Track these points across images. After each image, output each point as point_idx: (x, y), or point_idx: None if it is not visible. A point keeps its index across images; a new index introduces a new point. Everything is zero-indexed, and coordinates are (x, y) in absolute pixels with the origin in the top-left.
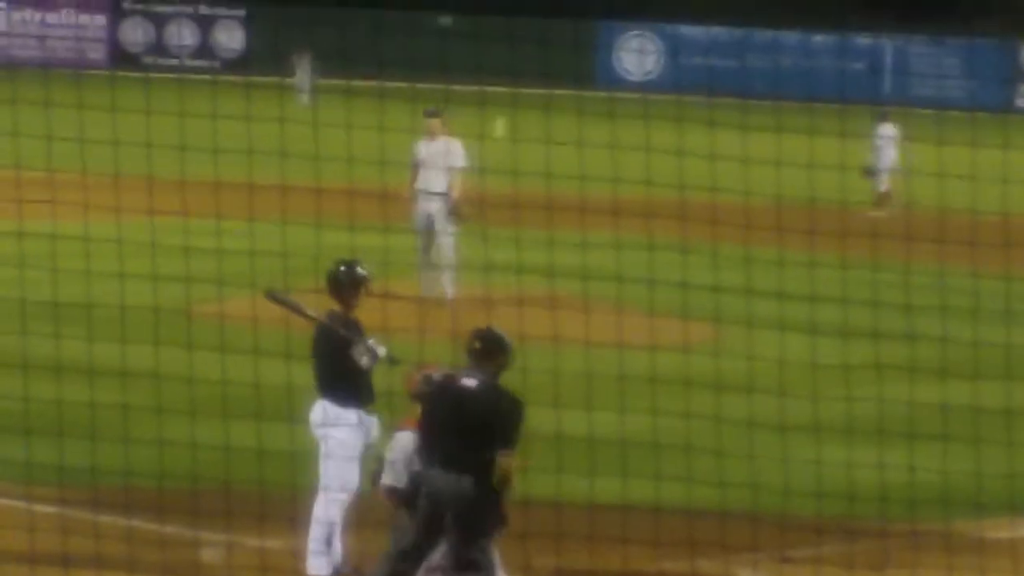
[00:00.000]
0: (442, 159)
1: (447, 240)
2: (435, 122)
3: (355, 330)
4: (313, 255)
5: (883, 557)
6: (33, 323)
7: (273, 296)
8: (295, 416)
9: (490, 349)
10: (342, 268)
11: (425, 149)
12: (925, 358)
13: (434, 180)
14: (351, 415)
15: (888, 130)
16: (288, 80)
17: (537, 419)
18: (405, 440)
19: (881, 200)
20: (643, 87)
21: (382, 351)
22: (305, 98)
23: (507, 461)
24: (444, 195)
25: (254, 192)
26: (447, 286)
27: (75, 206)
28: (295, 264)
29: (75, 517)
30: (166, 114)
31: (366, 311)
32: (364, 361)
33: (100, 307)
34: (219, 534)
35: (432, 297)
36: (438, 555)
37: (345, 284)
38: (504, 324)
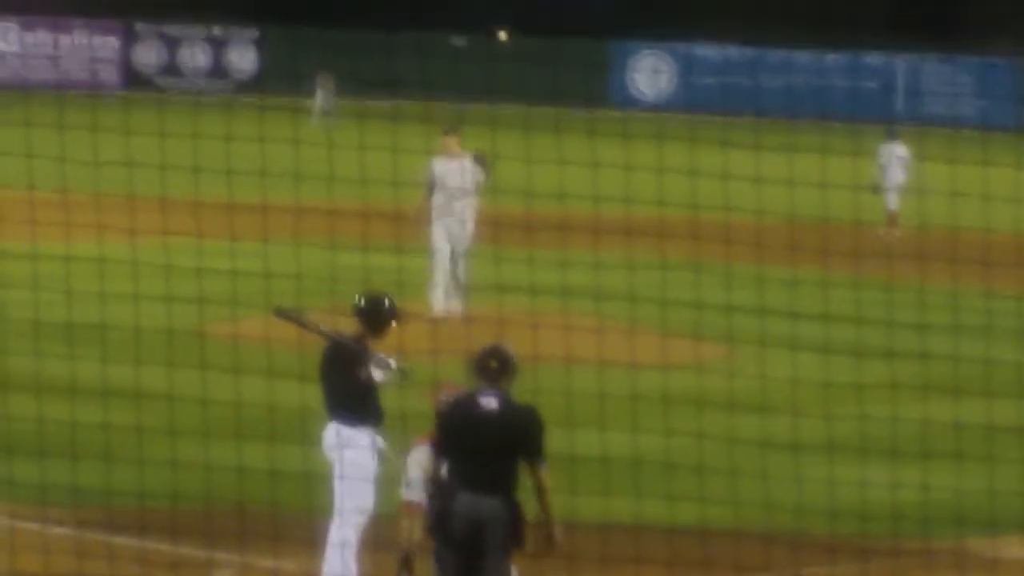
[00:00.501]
0: (460, 177)
1: (462, 260)
2: (452, 140)
3: (364, 348)
4: (327, 276)
5: (896, 575)
6: (47, 344)
7: (282, 313)
8: (309, 437)
9: (505, 367)
10: (375, 300)
11: (442, 167)
12: (938, 377)
13: (452, 199)
14: (364, 436)
15: (897, 149)
16: (306, 101)
17: (550, 439)
18: (422, 456)
19: (891, 219)
20: (656, 107)
21: (393, 363)
22: (327, 120)
23: (546, 473)
24: (462, 214)
25: (268, 213)
26: (459, 305)
27: (89, 228)
28: (309, 286)
29: (89, 539)
30: (179, 136)
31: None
32: (377, 375)
33: (114, 328)
34: (233, 555)
35: (445, 316)
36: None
37: (379, 316)
38: (517, 344)
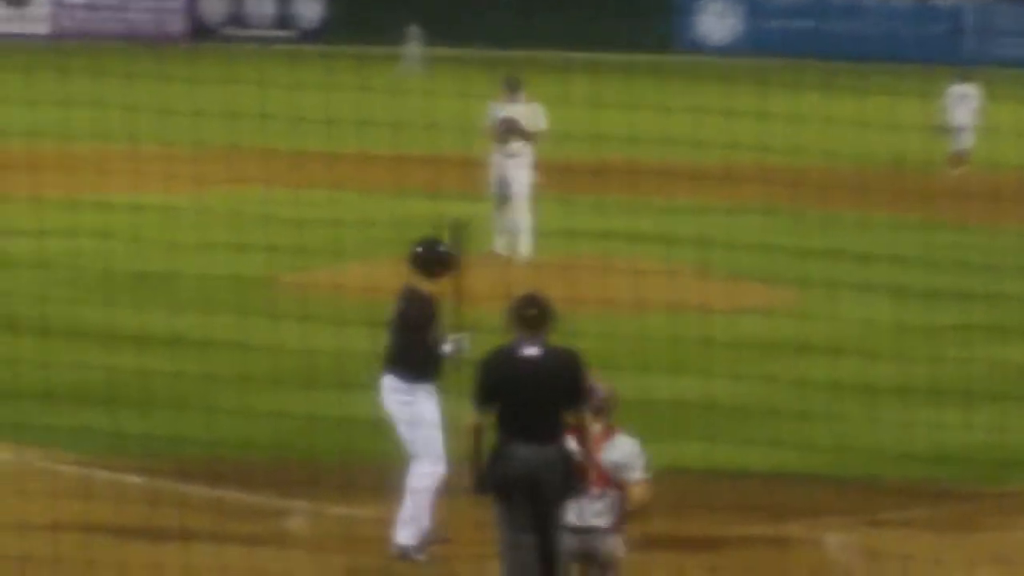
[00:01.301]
0: (523, 122)
1: (524, 203)
2: (516, 85)
3: (436, 308)
4: (395, 223)
5: (972, 519)
6: (118, 294)
7: (456, 230)
8: (379, 385)
9: (545, 314)
10: (429, 246)
11: (504, 111)
12: (1011, 318)
13: (514, 143)
14: (424, 388)
15: (965, 89)
16: (371, 50)
17: (621, 385)
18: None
19: (956, 160)
20: (723, 51)
21: (465, 346)
22: (410, 68)
23: (588, 416)
24: (524, 158)
25: (336, 162)
26: (524, 249)
27: (159, 178)
28: (377, 234)
29: (162, 488)
30: (246, 83)
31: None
32: (448, 348)
33: (184, 277)
34: (305, 502)
35: (508, 259)
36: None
37: (432, 262)
38: (586, 290)
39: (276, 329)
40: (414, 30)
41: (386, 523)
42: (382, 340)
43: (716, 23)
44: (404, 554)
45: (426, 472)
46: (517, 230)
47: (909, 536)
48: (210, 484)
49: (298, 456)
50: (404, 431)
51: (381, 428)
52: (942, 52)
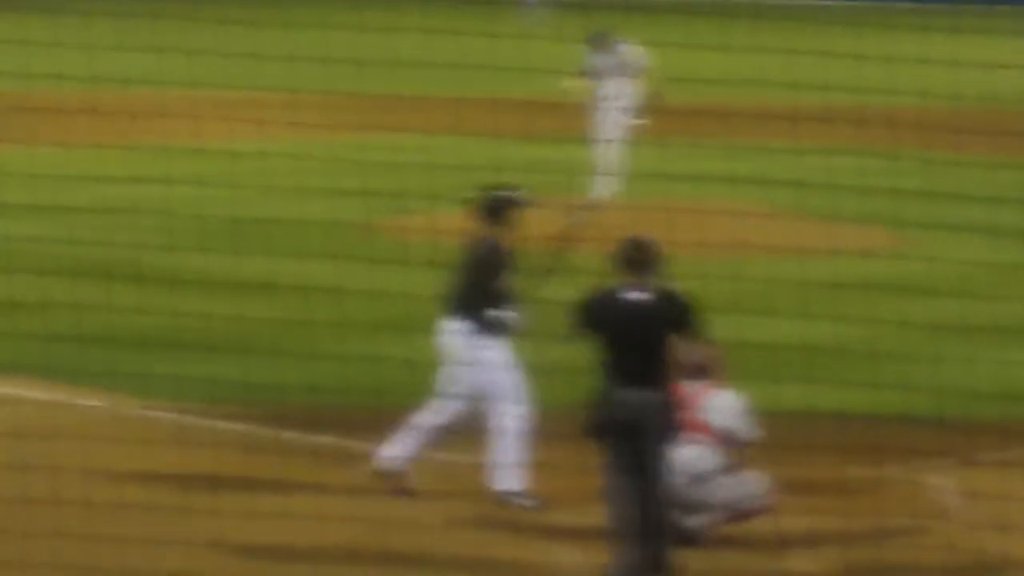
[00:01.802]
0: (620, 65)
1: (623, 147)
2: (604, 33)
3: (503, 255)
4: (493, 167)
5: None
6: (213, 241)
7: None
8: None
9: (650, 257)
10: (499, 193)
11: (597, 56)
12: None
13: (613, 86)
14: (494, 332)
15: None
16: None
17: (718, 327)
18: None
19: None
20: None
21: (518, 321)
22: (532, 14)
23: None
24: (623, 101)
25: (431, 106)
26: (607, 192)
27: (254, 124)
28: (475, 178)
29: (260, 434)
30: (340, 28)
31: (541, 224)
32: (508, 315)
33: (279, 224)
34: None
35: (605, 203)
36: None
37: (502, 209)
38: (682, 233)
39: (373, 275)
40: None
41: (486, 471)
42: (446, 283)
43: None
44: (505, 499)
45: (509, 413)
46: (612, 172)
47: (1007, 476)
48: (308, 431)
49: (395, 402)
50: (472, 376)
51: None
52: None
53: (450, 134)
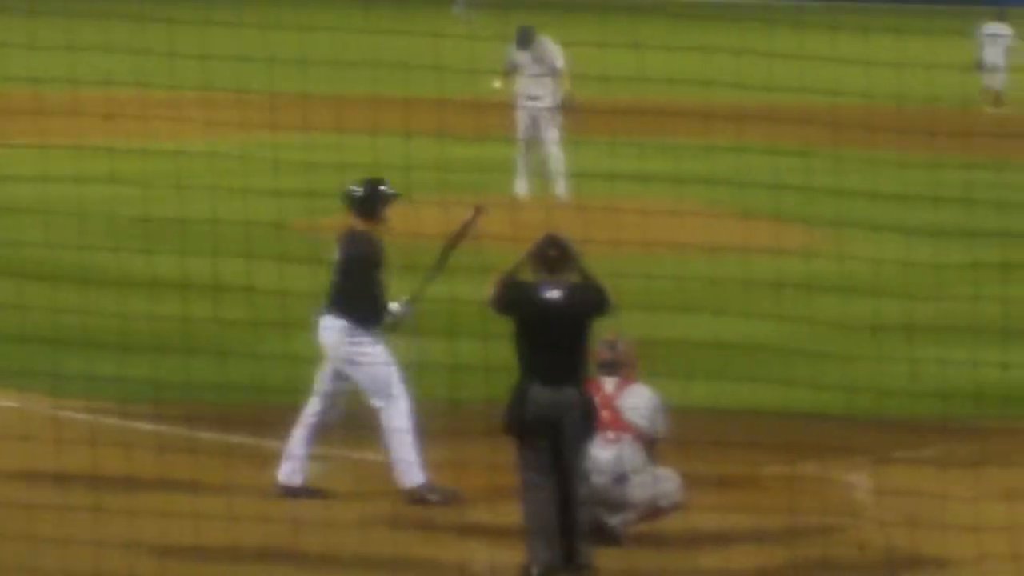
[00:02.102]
0: (539, 63)
1: (554, 146)
2: (530, 28)
3: (379, 250)
4: (405, 166)
5: (979, 455)
6: (127, 240)
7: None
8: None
9: (566, 255)
10: (370, 186)
11: (520, 54)
12: (1019, 255)
13: (533, 84)
14: (372, 329)
15: (1000, 28)
16: None
17: (632, 324)
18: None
19: (990, 98)
20: None
21: (409, 314)
22: (463, 15)
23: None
24: (546, 98)
25: (344, 105)
26: (560, 191)
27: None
28: (388, 177)
29: (171, 432)
30: (253, 27)
31: (457, 220)
32: (397, 308)
33: (193, 222)
34: (319, 447)
35: (530, 201)
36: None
37: (373, 202)
38: (626, 231)
39: (285, 274)
40: None
41: (389, 470)
42: (398, 286)
43: None
44: (418, 496)
45: (396, 409)
46: (550, 172)
47: (918, 473)
48: (221, 430)
49: (307, 400)
50: (354, 373)
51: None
52: None
53: (364, 133)
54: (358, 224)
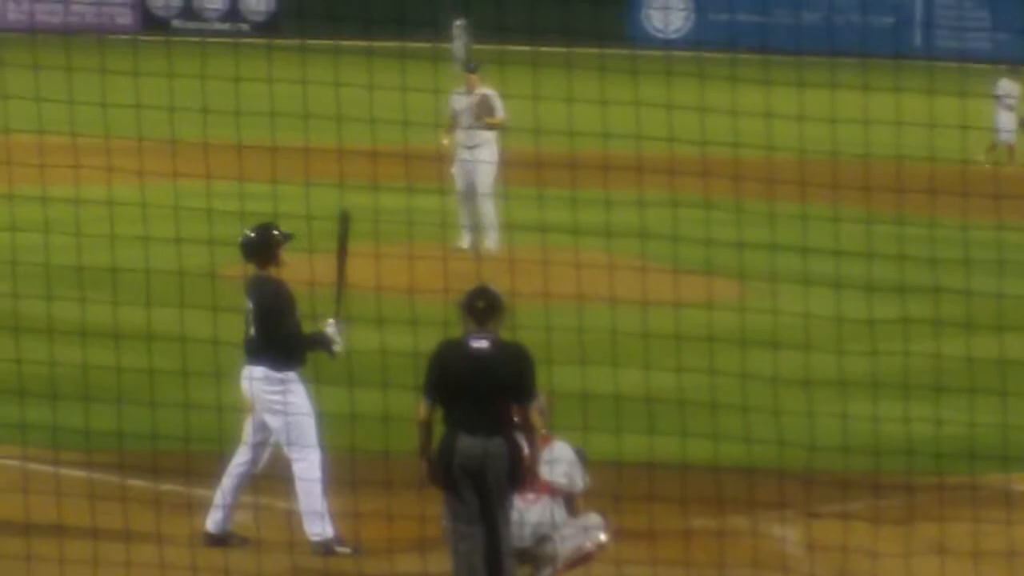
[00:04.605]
0: (478, 112)
1: (486, 200)
2: (473, 77)
3: (288, 293)
4: (335, 217)
5: (910, 511)
6: (58, 288)
7: (344, 221)
8: (324, 379)
9: (494, 307)
10: (260, 232)
11: (461, 102)
12: (950, 312)
13: (472, 134)
14: (294, 374)
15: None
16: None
17: (562, 377)
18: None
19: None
20: (670, 45)
21: (341, 334)
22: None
23: (536, 413)
24: (486, 150)
25: (278, 155)
26: (491, 243)
27: (100, 171)
28: (319, 227)
29: (102, 480)
30: (189, 77)
31: (396, 271)
32: (330, 330)
33: (125, 271)
34: (248, 497)
35: (471, 253)
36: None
37: (268, 247)
38: (529, 283)
39: (216, 323)
40: (461, 27)
41: (296, 519)
42: (240, 329)
43: (663, 16)
44: (326, 548)
45: (310, 460)
46: (483, 225)
47: (848, 528)
48: (151, 479)
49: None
50: (273, 421)
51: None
52: (887, 44)
53: (296, 183)
54: (259, 270)
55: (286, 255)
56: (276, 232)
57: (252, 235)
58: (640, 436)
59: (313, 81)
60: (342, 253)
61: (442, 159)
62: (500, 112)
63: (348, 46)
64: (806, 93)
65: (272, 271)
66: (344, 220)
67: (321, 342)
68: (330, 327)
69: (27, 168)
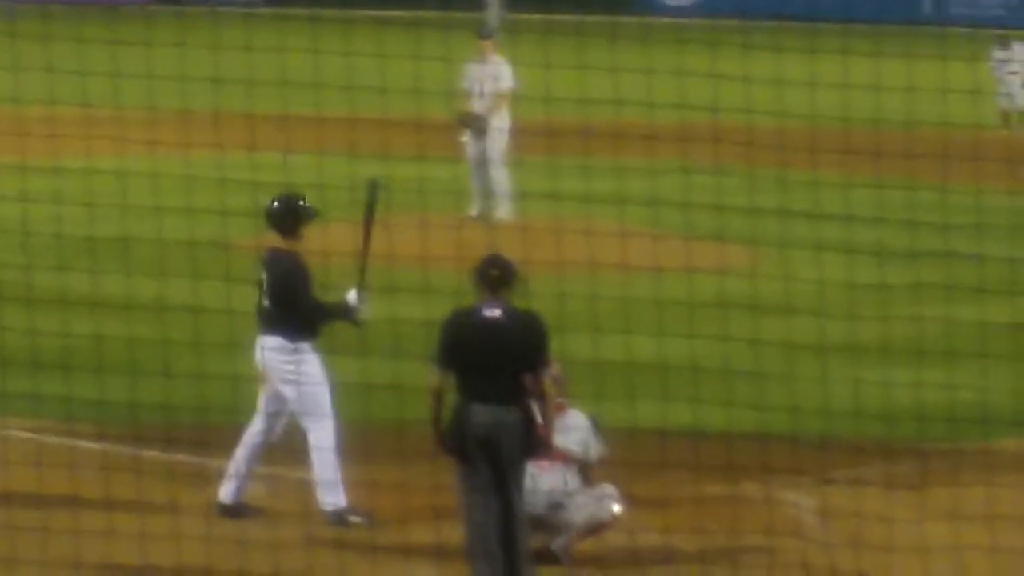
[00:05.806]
0: (491, 83)
1: (500, 168)
2: (487, 44)
3: (304, 266)
4: (349, 186)
5: (923, 476)
6: (71, 259)
7: (373, 189)
8: (338, 348)
9: (507, 276)
10: (285, 202)
11: (476, 72)
12: (963, 277)
13: (483, 104)
14: (308, 345)
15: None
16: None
17: (576, 345)
18: (580, 419)
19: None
20: (682, 12)
21: (366, 305)
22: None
23: (549, 382)
24: (499, 120)
25: (289, 123)
26: (503, 212)
27: (112, 142)
28: (332, 197)
29: (116, 452)
30: (200, 48)
31: (407, 242)
32: (352, 299)
33: (138, 242)
34: (262, 467)
35: (480, 221)
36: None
37: (293, 217)
38: (545, 251)
39: (230, 293)
40: None
41: (310, 489)
42: (254, 299)
43: None
44: (340, 518)
45: (324, 430)
46: (495, 193)
47: (861, 494)
48: (165, 450)
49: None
50: (287, 391)
51: (344, 389)
52: (899, 11)
53: (308, 152)
54: (277, 242)
55: (305, 231)
56: (302, 203)
57: (277, 204)
58: (653, 403)
59: (324, 51)
60: (369, 221)
61: (463, 128)
62: (507, 81)
63: (360, 15)
64: (818, 60)
65: (291, 243)
66: (373, 188)
67: (344, 311)
68: (352, 296)
69: (39, 140)
